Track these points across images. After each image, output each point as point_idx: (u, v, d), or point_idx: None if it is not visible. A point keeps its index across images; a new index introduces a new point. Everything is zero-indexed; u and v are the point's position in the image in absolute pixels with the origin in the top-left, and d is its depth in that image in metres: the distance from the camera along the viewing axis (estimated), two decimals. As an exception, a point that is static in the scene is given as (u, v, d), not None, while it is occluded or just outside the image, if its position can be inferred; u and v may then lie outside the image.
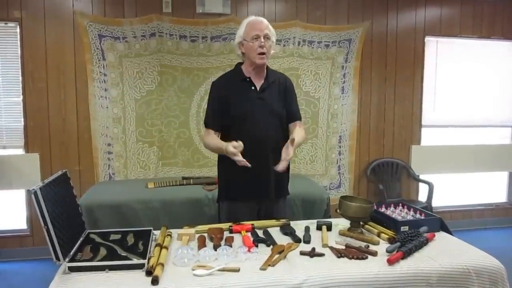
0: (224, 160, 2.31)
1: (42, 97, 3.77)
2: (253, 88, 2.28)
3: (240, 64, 2.37)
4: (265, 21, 2.27)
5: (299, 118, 2.46)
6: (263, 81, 2.31)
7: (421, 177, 4.59)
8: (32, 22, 3.70)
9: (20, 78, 3.73)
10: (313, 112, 4.27)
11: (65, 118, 3.83)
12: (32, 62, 3.73)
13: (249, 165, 2.08)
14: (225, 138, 2.29)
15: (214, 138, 2.30)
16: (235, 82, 2.30)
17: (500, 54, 4.81)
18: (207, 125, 2.35)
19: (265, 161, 2.22)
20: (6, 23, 3.71)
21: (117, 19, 3.79)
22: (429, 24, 4.51)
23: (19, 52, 3.72)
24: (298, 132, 2.32)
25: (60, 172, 1.88)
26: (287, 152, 2.11)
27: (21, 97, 3.76)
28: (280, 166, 2.13)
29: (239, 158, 2.07)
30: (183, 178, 3.70)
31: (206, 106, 2.41)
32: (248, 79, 2.29)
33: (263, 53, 2.20)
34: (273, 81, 2.33)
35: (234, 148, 2.07)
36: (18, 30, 3.70)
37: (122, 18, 3.80)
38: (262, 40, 2.19)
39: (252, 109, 2.25)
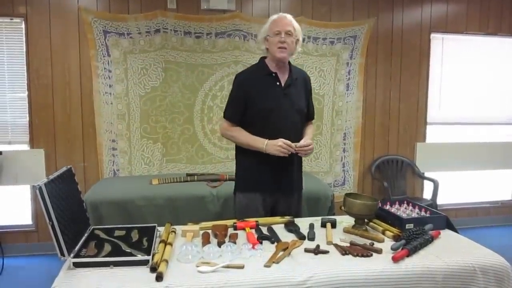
0: (245, 152, 2.35)
1: (47, 93, 3.78)
2: (278, 83, 2.31)
3: (264, 58, 2.39)
4: (289, 17, 2.30)
5: (314, 117, 2.58)
6: (287, 77, 2.34)
7: (426, 174, 4.57)
8: (37, 18, 3.70)
9: (25, 74, 3.74)
10: (317, 109, 4.24)
11: (70, 114, 3.84)
12: (37, 58, 3.74)
13: (293, 150, 2.19)
14: (249, 131, 2.31)
15: (243, 132, 2.32)
16: (260, 77, 2.32)
17: (507, 51, 4.76)
18: (227, 117, 2.37)
19: (288, 155, 2.23)
20: (11, 19, 3.72)
21: (121, 15, 3.79)
22: (435, 20, 4.48)
23: (24, 48, 3.72)
24: (310, 129, 2.50)
25: (65, 168, 1.88)
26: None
27: (26, 93, 3.77)
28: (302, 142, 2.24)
29: (286, 146, 2.18)
30: (187, 174, 3.70)
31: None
32: (274, 74, 2.31)
33: (283, 48, 2.24)
34: (296, 77, 2.37)
35: (286, 144, 2.17)
36: (23, 26, 3.71)
37: (127, 14, 3.80)
38: (283, 35, 2.22)
39: (277, 104, 2.28)
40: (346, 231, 2.01)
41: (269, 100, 2.28)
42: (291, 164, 2.35)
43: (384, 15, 4.35)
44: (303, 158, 2.48)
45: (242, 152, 2.39)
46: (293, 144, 2.19)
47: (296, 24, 2.31)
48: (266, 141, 2.22)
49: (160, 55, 3.87)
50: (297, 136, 2.31)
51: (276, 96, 2.29)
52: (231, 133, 2.37)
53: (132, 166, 3.96)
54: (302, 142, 2.23)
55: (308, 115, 2.49)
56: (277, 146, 2.17)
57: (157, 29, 3.83)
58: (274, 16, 2.32)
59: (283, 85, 2.32)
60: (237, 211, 2.39)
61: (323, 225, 2.09)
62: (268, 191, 2.34)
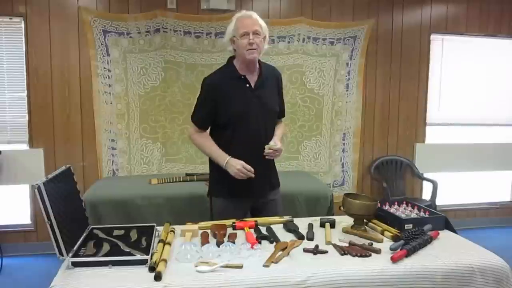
0: None
1: (46, 93, 3.78)
2: (247, 86, 2.26)
3: (233, 58, 2.34)
4: (254, 16, 2.24)
5: (284, 115, 2.55)
6: (257, 78, 2.28)
7: (425, 175, 4.57)
8: (37, 17, 3.70)
9: (25, 73, 3.74)
10: (317, 109, 4.26)
11: (69, 113, 3.84)
12: (36, 57, 3.73)
13: (253, 176, 2.16)
14: (220, 136, 2.29)
15: (208, 142, 2.30)
16: (229, 80, 2.26)
17: (507, 52, 4.76)
18: (195, 122, 2.34)
19: (259, 158, 2.22)
20: (11, 18, 3.72)
21: (121, 14, 3.79)
22: (435, 21, 4.48)
23: (23, 47, 3.72)
24: (280, 129, 2.45)
25: (64, 168, 1.88)
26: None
27: (26, 92, 3.76)
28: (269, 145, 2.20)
29: (244, 171, 2.15)
30: (187, 174, 3.70)
31: (195, 102, 2.37)
32: (242, 77, 2.25)
33: (252, 49, 2.18)
34: (267, 77, 2.32)
35: (245, 168, 2.15)
36: (22, 25, 3.70)
37: (127, 14, 3.80)
38: (251, 36, 2.16)
39: (248, 107, 2.23)
40: (345, 231, 2.01)
41: (238, 103, 2.22)
42: (261, 169, 2.27)
43: (384, 15, 4.35)
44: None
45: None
46: (252, 169, 2.16)
47: (262, 22, 2.24)
48: (226, 159, 2.19)
49: (160, 54, 3.87)
50: (269, 137, 2.28)
51: (246, 99, 2.23)
52: (198, 141, 2.34)
53: (131, 165, 3.96)
54: (273, 146, 2.18)
55: (279, 114, 2.44)
56: (235, 169, 2.15)
57: (157, 29, 3.83)
58: (239, 15, 2.26)
59: (253, 86, 2.26)
60: (214, 215, 2.36)
61: (322, 225, 2.09)
62: (240, 196, 2.29)
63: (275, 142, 2.23)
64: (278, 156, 2.28)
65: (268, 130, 2.31)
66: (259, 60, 2.31)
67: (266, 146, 2.19)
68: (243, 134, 2.21)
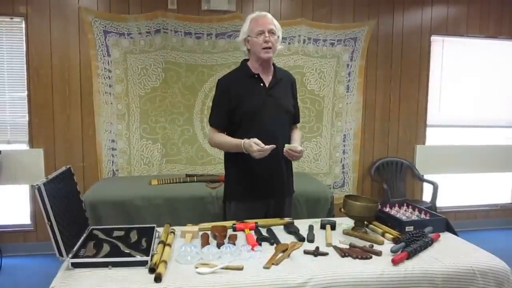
0: (232, 160, 2.32)
1: (47, 93, 3.78)
2: (261, 84, 2.26)
3: (246, 60, 2.35)
4: (269, 16, 2.25)
5: (299, 121, 2.54)
6: (271, 78, 2.29)
7: (426, 177, 4.56)
8: (38, 17, 3.70)
9: (25, 73, 3.74)
10: (317, 110, 4.25)
11: (69, 114, 3.83)
12: (37, 57, 3.73)
13: (274, 146, 2.07)
14: (235, 135, 2.25)
15: (225, 137, 2.27)
16: (244, 79, 2.27)
17: (507, 54, 4.77)
18: (213, 124, 2.31)
19: (275, 158, 2.20)
20: (11, 18, 3.72)
21: (122, 15, 3.79)
22: (436, 23, 4.48)
23: (24, 47, 3.72)
24: (298, 135, 2.43)
25: (64, 168, 1.88)
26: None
27: (26, 92, 3.76)
28: (290, 145, 2.16)
29: (264, 149, 2.04)
30: (187, 175, 3.69)
31: (211, 103, 2.37)
32: (256, 76, 2.26)
33: (268, 48, 2.19)
34: (281, 78, 2.32)
35: (256, 144, 2.05)
36: (23, 25, 3.71)
37: (127, 14, 3.80)
38: (267, 35, 2.17)
39: (262, 106, 2.22)
40: (345, 233, 2.01)
41: (253, 101, 2.21)
42: (279, 170, 2.29)
43: (385, 17, 4.35)
44: (292, 162, 2.40)
45: (230, 162, 2.36)
46: (267, 146, 2.06)
47: (276, 22, 2.26)
48: (241, 143, 2.11)
49: (160, 55, 3.87)
50: (285, 137, 2.27)
51: (260, 97, 2.22)
52: (215, 140, 2.30)
53: (132, 166, 3.96)
54: (293, 147, 2.14)
55: (294, 118, 2.43)
56: (254, 153, 2.05)
57: (157, 30, 3.83)
58: (253, 15, 2.26)
59: (267, 85, 2.26)
60: (229, 219, 2.32)
61: (323, 227, 2.09)
62: (258, 199, 2.28)
63: (296, 145, 2.19)
64: (296, 159, 2.23)
65: (284, 129, 2.30)
66: (273, 62, 2.32)
67: (286, 145, 2.15)
68: (258, 133, 2.14)
